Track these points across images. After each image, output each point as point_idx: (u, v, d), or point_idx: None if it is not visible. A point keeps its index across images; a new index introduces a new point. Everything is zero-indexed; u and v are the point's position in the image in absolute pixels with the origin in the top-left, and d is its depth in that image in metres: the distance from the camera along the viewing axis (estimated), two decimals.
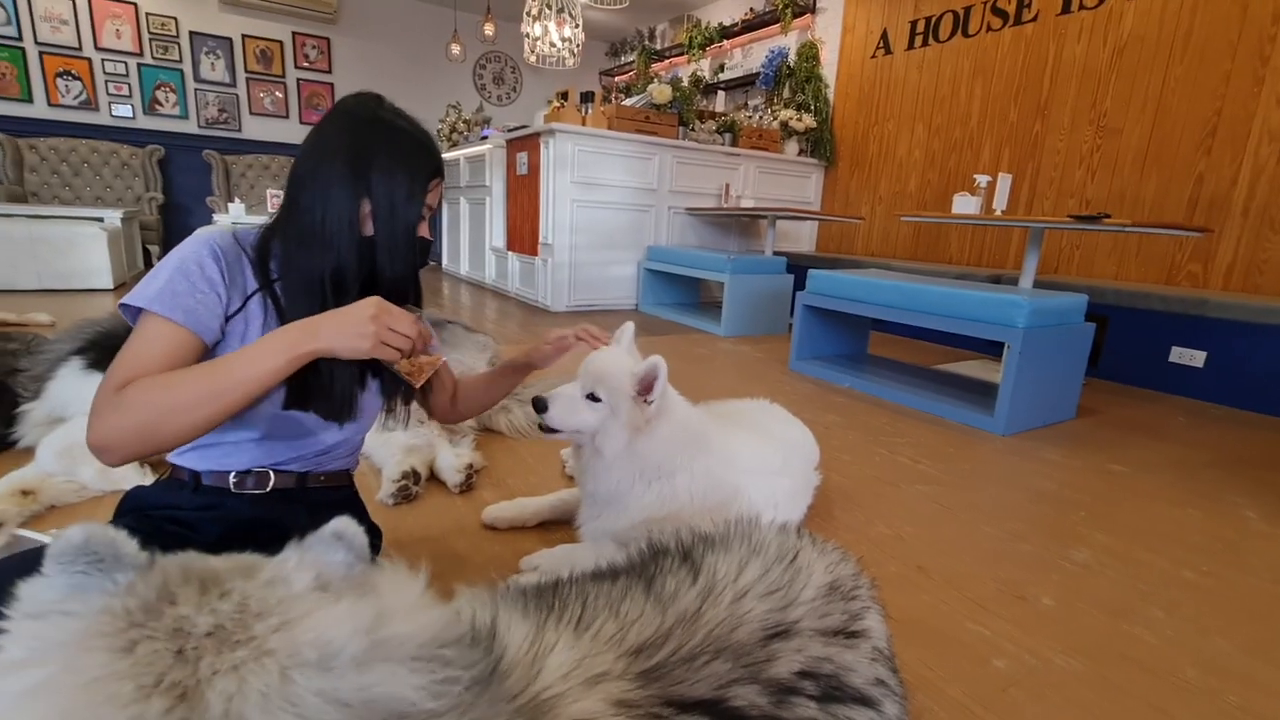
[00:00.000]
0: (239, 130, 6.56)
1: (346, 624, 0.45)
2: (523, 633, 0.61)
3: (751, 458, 1.29)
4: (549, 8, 4.02)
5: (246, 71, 6.51)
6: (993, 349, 3.61)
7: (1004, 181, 3.18)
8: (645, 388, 1.10)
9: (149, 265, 5.71)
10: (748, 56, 6.31)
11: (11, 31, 5.50)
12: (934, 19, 4.56)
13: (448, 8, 7.08)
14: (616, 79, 8.08)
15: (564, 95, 4.42)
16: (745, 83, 6.21)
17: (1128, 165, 3.60)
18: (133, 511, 0.86)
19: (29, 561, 0.65)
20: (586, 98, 4.33)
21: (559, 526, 1.41)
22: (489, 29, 6.06)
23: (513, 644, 0.59)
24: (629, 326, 1.20)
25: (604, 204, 4.48)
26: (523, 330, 3.81)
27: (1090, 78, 3.74)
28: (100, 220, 4.56)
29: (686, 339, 3.79)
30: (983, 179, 3.17)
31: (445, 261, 6.70)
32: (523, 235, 4.84)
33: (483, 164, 5.41)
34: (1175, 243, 3.42)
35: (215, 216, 5.96)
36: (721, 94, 6.57)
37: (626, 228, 4.64)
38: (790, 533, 0.82)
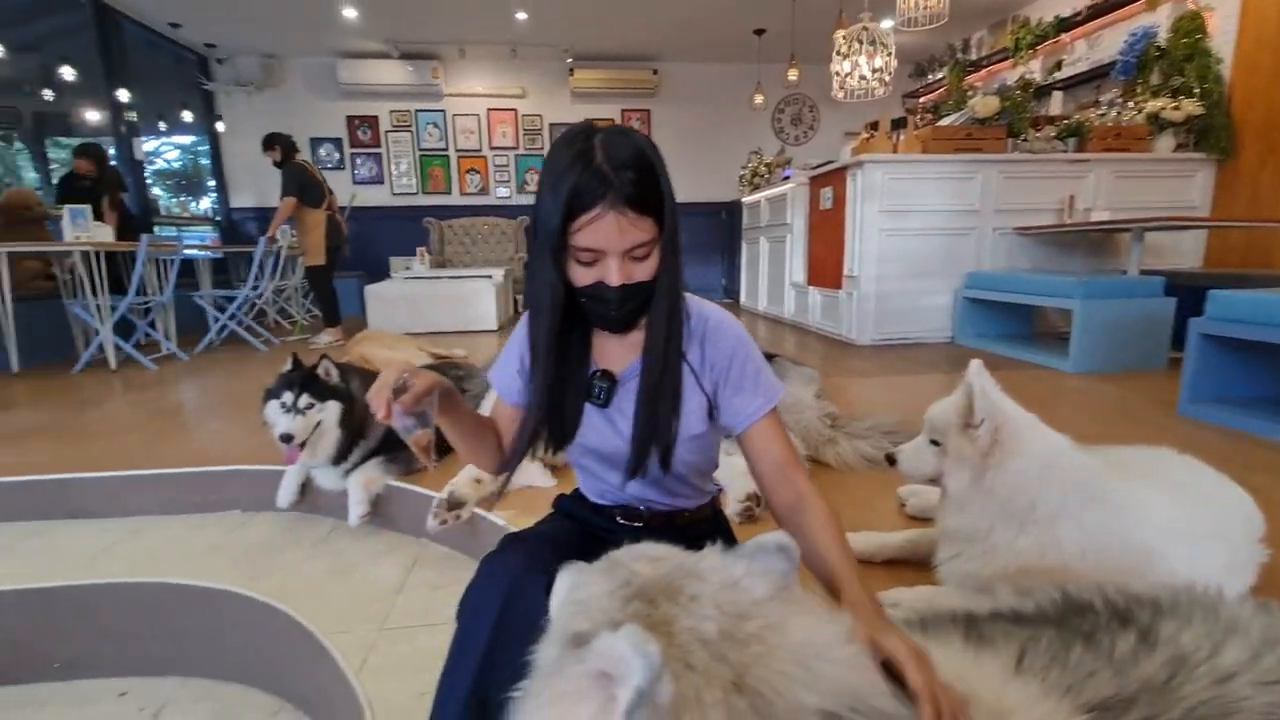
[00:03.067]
0: None
1: (825, 630, 0.51)
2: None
3: (1168, 517, 1.07)
4: (859, 42, 4.02)
5: None
6: None
7: None
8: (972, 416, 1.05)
9: (518, 311, 7.20)
10: (1094, 48, 5.36)
11: (443, 145, 7.59)
12: None
13: (752, 63, 7.55)
14: (922, 100, 7.61)
15: (874, 125, 4.32)
16: (1093, 77, 5.28)
17: None
18: (562, 515, 1.07)
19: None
20: (898, 124, 4.17)
21: (907, 566, 1.35)
22: (793, 74, 6.27)
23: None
24: (974, 364, 1.08)
25: (916, 231, 4.22)
26: (824, 361, 3.78)
27: None
28: (489, 277, 5.93)
29: (1019, 375, 3.31)
30: None
31: (744, 298, 7.02)
32: (825, 269, 4.82)
33: (784, 203, 5.57)
34: None
35: None
36: (1058, 95, 5.69)
37: (941, 254, 4.29)
38: (1275, 613, 0.67)
